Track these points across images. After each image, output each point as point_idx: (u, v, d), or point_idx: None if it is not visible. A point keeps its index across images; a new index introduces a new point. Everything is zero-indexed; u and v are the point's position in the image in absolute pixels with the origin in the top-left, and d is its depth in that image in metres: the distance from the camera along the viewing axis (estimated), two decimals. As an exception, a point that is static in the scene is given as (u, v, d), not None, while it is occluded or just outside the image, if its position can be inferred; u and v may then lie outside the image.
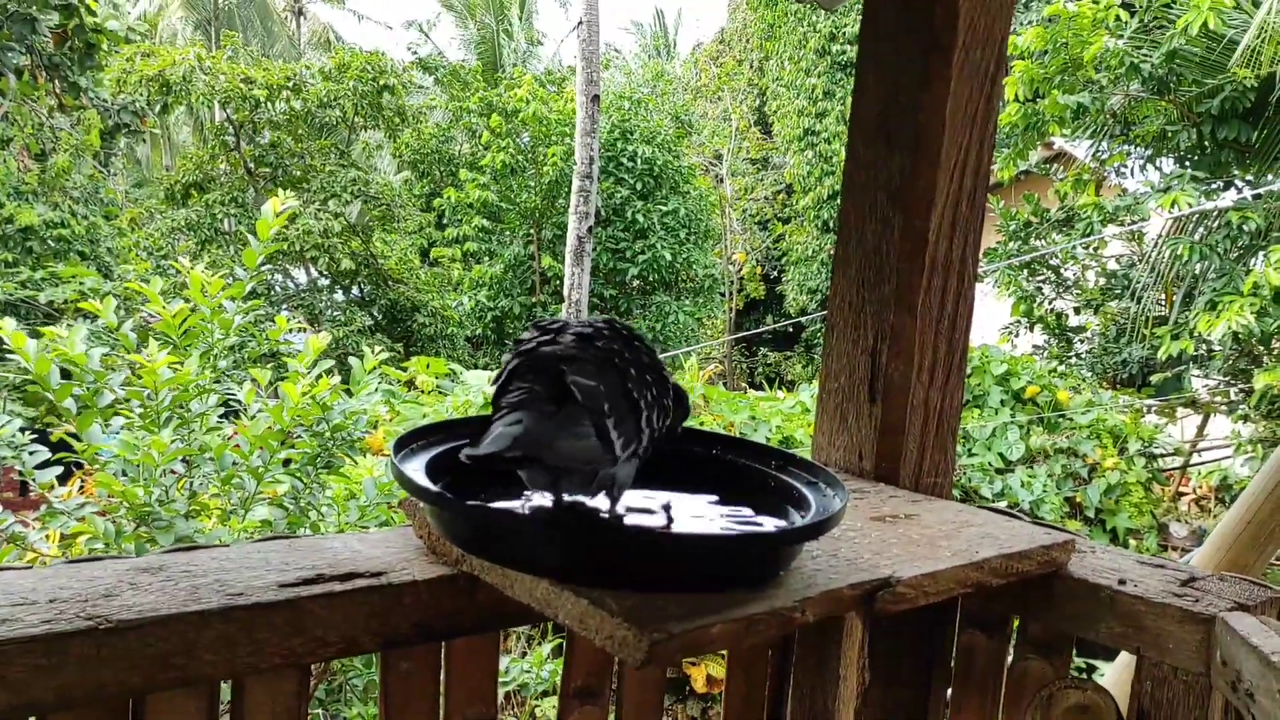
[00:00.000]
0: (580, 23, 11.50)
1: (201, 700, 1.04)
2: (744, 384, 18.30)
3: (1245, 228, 9.17)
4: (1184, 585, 1.27)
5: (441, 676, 1.26)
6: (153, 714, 1.00)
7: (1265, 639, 1.07)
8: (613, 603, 0.93)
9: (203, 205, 14.31)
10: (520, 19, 25.02)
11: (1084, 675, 1.31)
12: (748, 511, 1.21)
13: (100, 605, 0.95)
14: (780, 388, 11.40)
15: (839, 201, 1.59)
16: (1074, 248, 10.70)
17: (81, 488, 4.06)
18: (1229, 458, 10.38)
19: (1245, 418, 10.01)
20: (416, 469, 1.08)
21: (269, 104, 13.78)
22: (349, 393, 3.71)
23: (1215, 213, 9.73)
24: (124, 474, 3.18)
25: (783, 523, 1.16)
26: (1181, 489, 10.79)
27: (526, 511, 1.08)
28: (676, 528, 1.12)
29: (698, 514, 1.19)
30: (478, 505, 1.07)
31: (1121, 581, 1.27)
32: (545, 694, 4.62)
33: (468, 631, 1.17)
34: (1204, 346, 9.83)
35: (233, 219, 14.49)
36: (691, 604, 0.95)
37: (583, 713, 1.41)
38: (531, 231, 16.46)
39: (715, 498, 1.25)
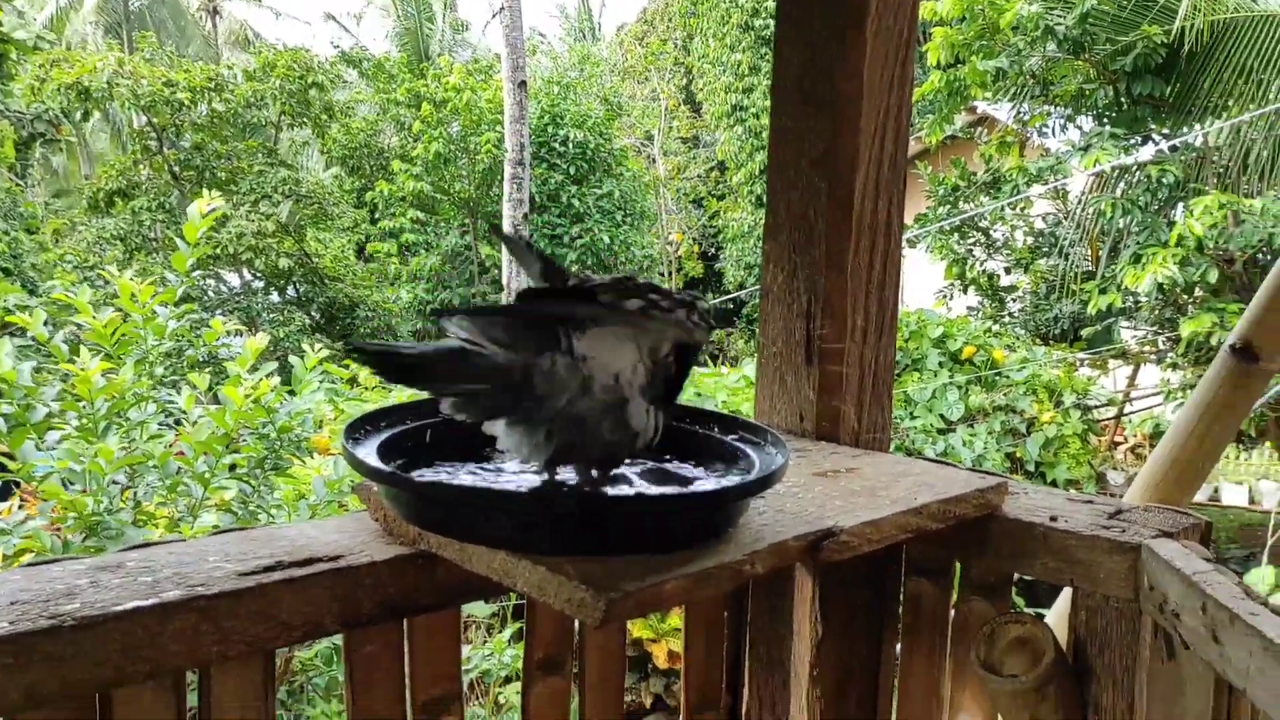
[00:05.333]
0: (502, 8, 11.42)
1: (167, 692, 1.06)
2: (688, 362, 18.34)
3: (1164, 180, 9.42)
4: (1111, 518, 1.33)
5: (405, 659, 1.28)
6: (121, 707, 1.02)
7: (1187, 561, 1.13)
8: (569, 567, 0.96)
9: (129, 213, 13.99)
10: (444, 7, 24.77)
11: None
12: (695, 474, 1.25)
13: (63, 604, 0.96)
14: (724, 363, 11.49)
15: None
16: (1002, 209, 10.91)
17: (21, 504, 3.99)
18: (1160, 405, 10.69)
19: (1174, 365, 10.32)
20: (369, 452, 1.10)
21: (192, 106, 13.51)
22: (292, 393, 3.69)
23: (1135, 167, 9.98)
24: (67, 485, 3.13)
25: (728, 482, 1.20)
26: (1117, 438, 11.10)
27: (481, 486, 1.11)
28: (626, 493, 1.16)
29: (646, 479, 1.23)
30: (434, 483, 1.09)
31: (1053, 518, 1.33)
32: (508, 680, 4.65)
33: (429, 608, 1.19)
34: (1131, 299, 10.09)
35: (160, 225, 14.19)
36: (645, 564, 0.98)
37: (547, 684, 1.45)
38: (467, 221, 16.36)
39: (662, 462, 1.28)
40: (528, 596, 1.16)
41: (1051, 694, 1.26)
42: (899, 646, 1.63)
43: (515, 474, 1.16)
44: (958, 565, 1.50)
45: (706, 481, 1.21)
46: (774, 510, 1.19)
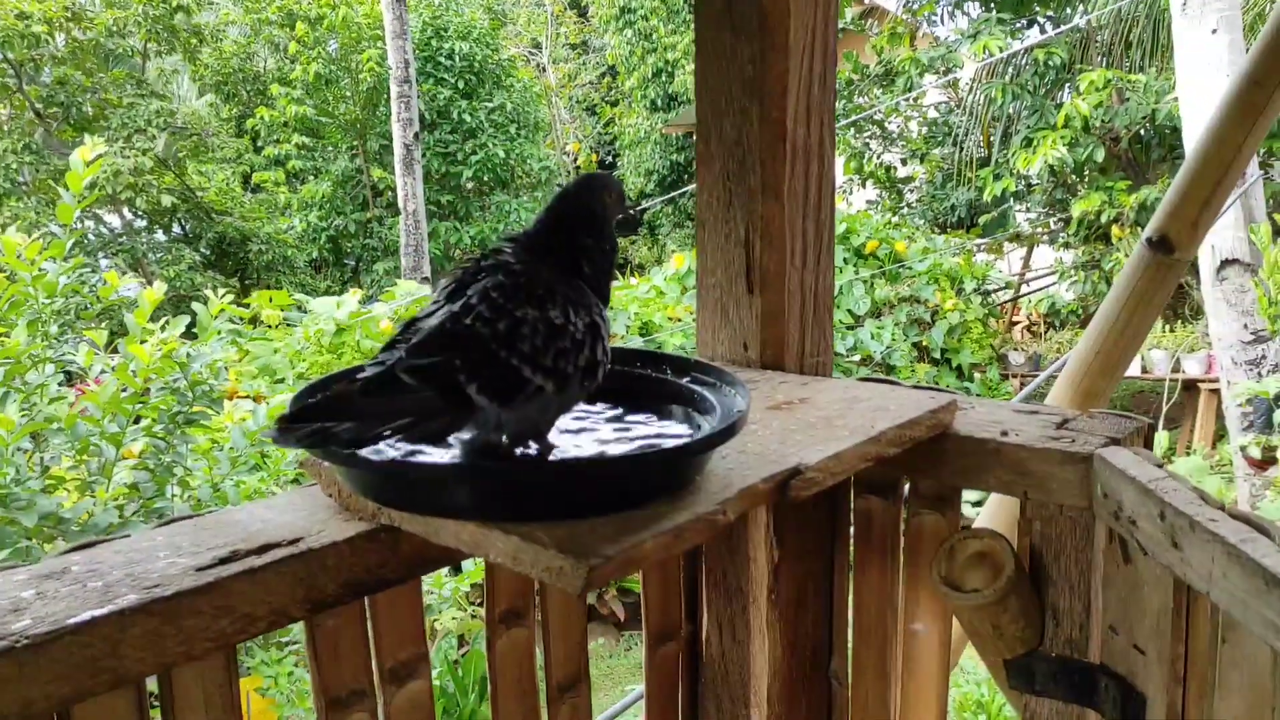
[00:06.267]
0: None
1: (130, 699, 1.01)
2: (594, 273, 18.21)
3: (1051, 63, 9.57)
4: (1059, 428, 1.36)
5: (369, 628, 1.25)
6: (80, 718, 0.97)
7: (1141, 469, 1.16)
8: (544, 535, 0.93)
9: (-7, 158, 13.18)
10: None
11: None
12: (654, 420, 1.23)
13: (10, 621, 0.90)
14: (631, 273, 11.46)
15: (694, 97, 1.58)
16: (897, 103, 10.98)
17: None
18: (1054, 284, 11.03)
19: (1066, 245, 10.63)
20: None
21: (50, 39, 12.66)
22: (194, 336, 3.54)
23: (1022, 52, 10.11)
24: (-33, 459, 2.98)
25: (687, 428, 1.19)
26: (1014, 319, 11.45)
27: (444, 461, 1.07)
28: (593, 451, 1.13)
29: (606, 431, 1.21)
30: (396, 462, 1.05)
31: (1004, 433, 1.35)
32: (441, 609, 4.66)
33: (394, 582, 1.16)
34: (1024, 182, 10.31)
35: (29, 168, 13.40)
36: (619, 524, 0.96)
37: (510, 635, 1.43)
38: (356, 144, 15.84)
39: (618, 410, 1.26)
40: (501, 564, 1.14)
41: (1012, 604, 1.29)
42: (852, 562, 1.66)
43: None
44: (906, 481, 1.52)
45: (668, 429, 1.19)
46: (736, 452, 1.18)
